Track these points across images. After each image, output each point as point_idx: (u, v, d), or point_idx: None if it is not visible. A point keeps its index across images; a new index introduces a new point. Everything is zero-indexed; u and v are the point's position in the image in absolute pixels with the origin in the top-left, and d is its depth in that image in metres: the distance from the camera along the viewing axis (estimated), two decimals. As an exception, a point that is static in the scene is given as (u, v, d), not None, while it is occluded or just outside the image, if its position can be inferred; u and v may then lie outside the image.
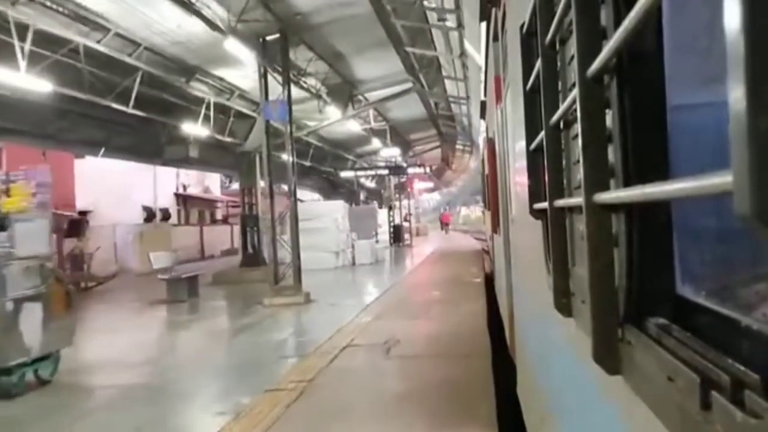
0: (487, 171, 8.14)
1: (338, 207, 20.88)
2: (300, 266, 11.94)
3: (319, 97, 17.75)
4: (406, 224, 36.43)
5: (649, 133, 0.91)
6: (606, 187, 1.00)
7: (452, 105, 25.82)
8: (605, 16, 0.99)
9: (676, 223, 0.91)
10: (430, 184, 48.93)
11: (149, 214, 27.10)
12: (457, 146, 38.44)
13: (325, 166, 29.86)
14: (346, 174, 30.98)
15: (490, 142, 6.84)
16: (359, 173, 31.99)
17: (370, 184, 40.37)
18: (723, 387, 0.60)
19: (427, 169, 30.81)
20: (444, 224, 52.03)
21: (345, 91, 18.86)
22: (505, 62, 3.75)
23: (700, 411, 0.64)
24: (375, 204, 37.04)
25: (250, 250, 17.31)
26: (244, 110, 17.92)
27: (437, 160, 39.93)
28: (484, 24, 6.37)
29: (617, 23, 0.89)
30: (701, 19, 0.94)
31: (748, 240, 0.70)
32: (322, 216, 19.31)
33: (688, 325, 0.81)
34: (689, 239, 0.94)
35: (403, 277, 15.99)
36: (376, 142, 26.58)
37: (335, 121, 19.32)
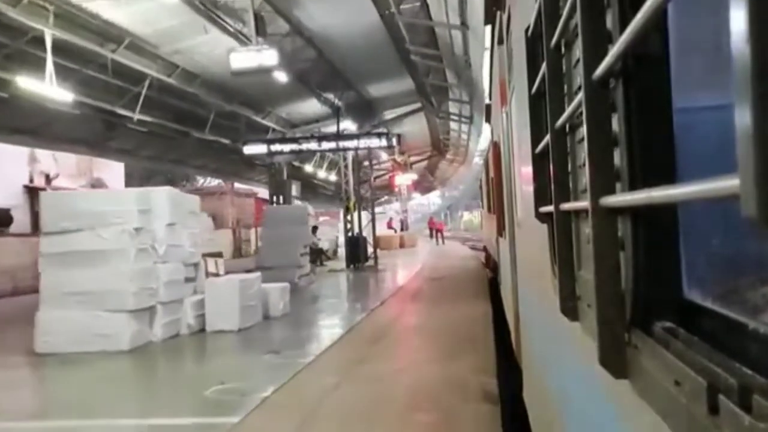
0: (492, 174, 8.14)
1: (145, 199, 8.22)
2: None
3: None
4: (390, 232, 30.40)
5: (655, 136, 0.91)
6: (612, 191, 1.00)
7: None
8: (611, 19, 0.99)
9: (683, 227, 0.91)
10: (414, 176, 34.75)
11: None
12: (451, 112, 24.81)
13: (218, 135, 18.40)
14: (252, 149, 18.25)
15: (495, 146, 6.84)
16: (278, 147, 18.45)
17: (324, 173, 28.87)
18: (730, 391, 0.60)
19: (393, 141, 18.57)
20: (437, 232, 38.62)
21: None
22: (510, 65, 3.75)
23: (708, 415, 0.63)
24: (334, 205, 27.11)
25: None
26: None
27: (427, 147, 31.01)
28: (488, 27, 6.38)
29: (623, 26, 0.89)
30: (707, 22, 0.94)
31: (754, 243, 0.70)
32: (102, 223, 7.74)
33: (695, 328, 0.81)
34: (696, 243, 0.94)
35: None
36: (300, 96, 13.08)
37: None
